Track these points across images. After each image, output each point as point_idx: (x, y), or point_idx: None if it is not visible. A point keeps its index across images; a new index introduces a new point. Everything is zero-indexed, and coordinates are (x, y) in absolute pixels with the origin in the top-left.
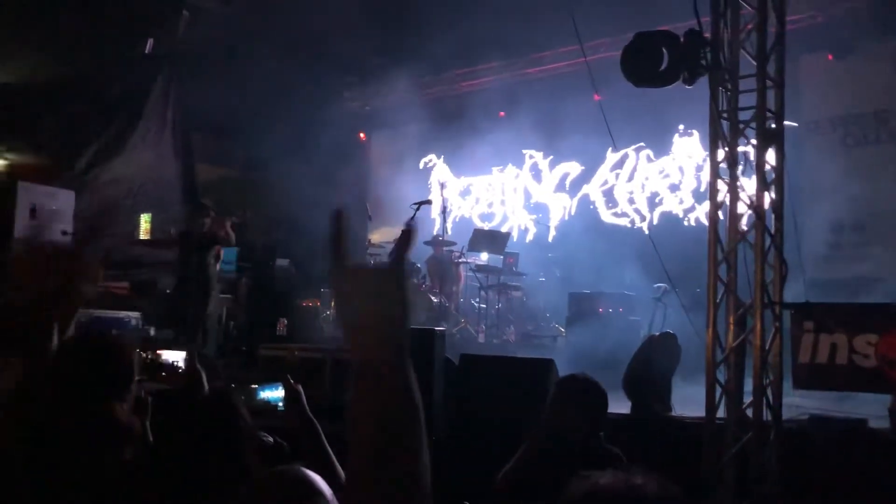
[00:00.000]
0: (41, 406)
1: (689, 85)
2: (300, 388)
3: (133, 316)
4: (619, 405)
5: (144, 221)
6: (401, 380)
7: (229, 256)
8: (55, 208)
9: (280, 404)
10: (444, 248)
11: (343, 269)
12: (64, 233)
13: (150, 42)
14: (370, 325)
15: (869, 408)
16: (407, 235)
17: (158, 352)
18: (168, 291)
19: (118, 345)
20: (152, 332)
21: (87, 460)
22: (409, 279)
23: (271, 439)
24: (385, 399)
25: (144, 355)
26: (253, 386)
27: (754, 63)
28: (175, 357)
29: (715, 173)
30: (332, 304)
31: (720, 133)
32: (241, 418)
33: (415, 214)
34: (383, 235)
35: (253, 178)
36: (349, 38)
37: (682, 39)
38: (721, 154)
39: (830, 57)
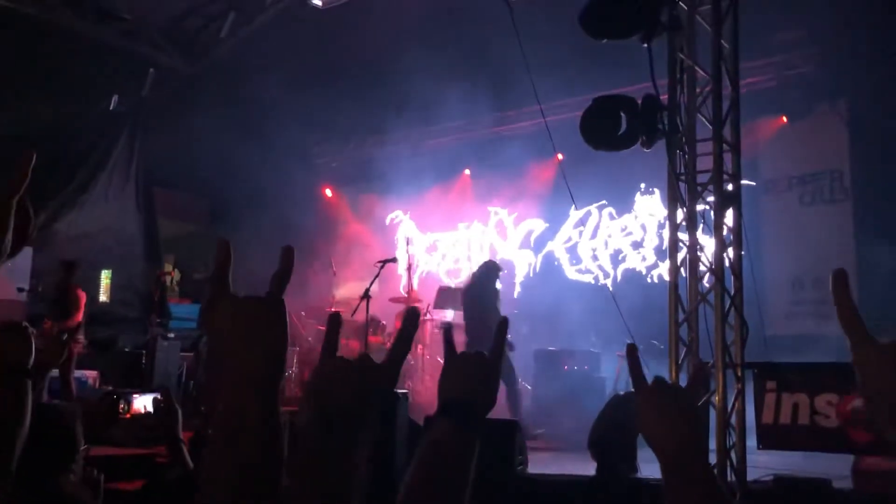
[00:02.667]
0: None
1: (647, 148)
2: (178, 409)
3: (90, 375)
4: (585, 466)
5: (105, 278)
6: (265, 433)
7: (191, 313)
8: (10, 265)
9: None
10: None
11: (223, 298)
12: (20, 290)
13: (114, 98)
14: (242, 363)
15: (834, 465)
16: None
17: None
18: (127, 350)
19: (58, 414)
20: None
21: None
22: (285, 315)
23: None
24: (244, 456)
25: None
26: None
27: (710, 127)
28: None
29: (674, 233)
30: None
31: (678, 195)
32: None
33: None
34: (348, 291)
35: (216, 232)
36: (314, 95)
37: (639, 104)
38: (680, 214)
39: (785, 119)
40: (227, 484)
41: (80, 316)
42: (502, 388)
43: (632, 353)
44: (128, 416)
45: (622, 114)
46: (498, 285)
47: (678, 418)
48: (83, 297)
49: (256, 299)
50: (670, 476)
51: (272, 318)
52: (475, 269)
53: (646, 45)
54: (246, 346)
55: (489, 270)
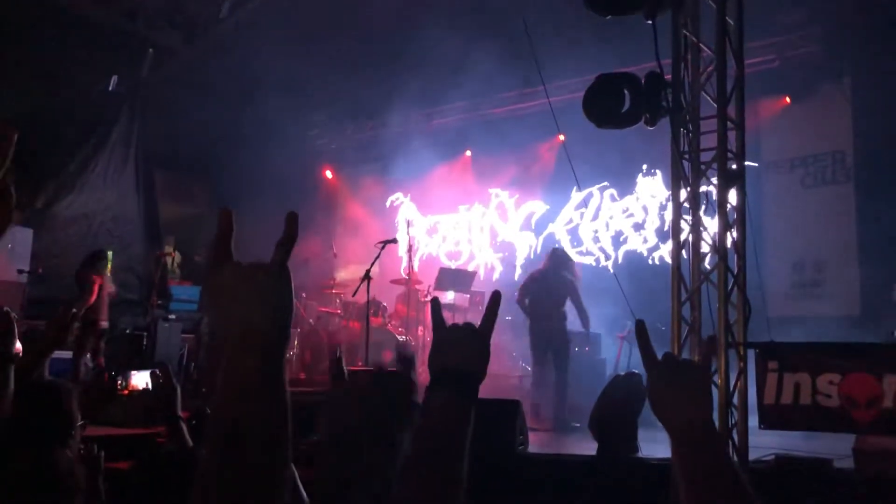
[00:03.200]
0: None
1: (650, 126)
2: (177, 386)
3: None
4: (587, 446)
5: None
6: (269, 398)
7: (192, 295)
8: (11, 247)
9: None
10: (414, 287)
11: (223, 266)
12: (20, 272)
13: (113, 79)
14: (245, 329)
15: (836, 445)
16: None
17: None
18: (128, 332)
19: (53, 390)
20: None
21: None
22: (290, 282)
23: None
24: (247, 418)
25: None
26: None
27: (715, 105)
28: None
29: (677, 213)
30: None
31: (682, 174)
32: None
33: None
34: (349, 273)
35: (216, 215)
36: (315, 76)
37: (643, 81)
38: (683, 194)
39: (788, 99)
40: (226, 448)
41: (91, 300)
42: (551, 376)
43: (641, 330)
44: (125, 392)
45: (626, 91)
46: (571, 275)
47: (689, 392)
48: (97, 281)
49: (260, 265)
50: (681, 449)
51: (276, 284)
52: (546, 258)
53: (650, 22)
54: (250, 312)
55: (558, 261)
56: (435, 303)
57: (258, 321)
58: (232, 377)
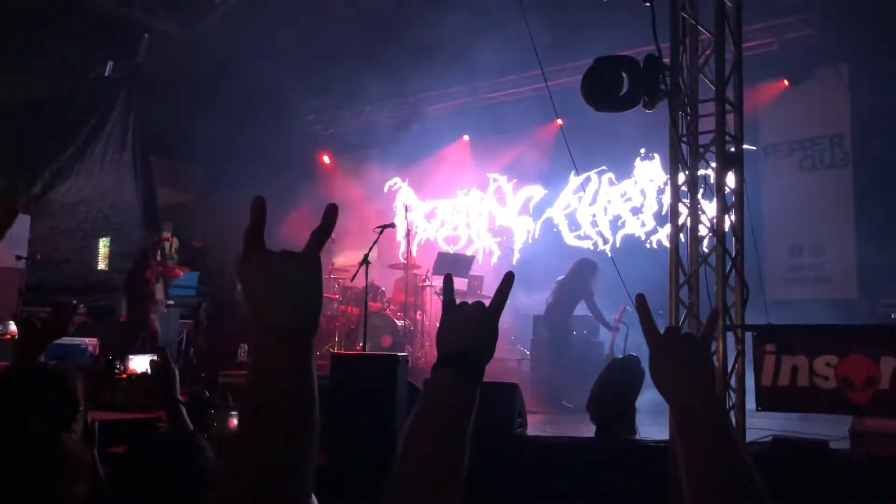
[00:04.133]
0: None
1: (648, 109)
2: (175, 369)
3: (90, 342)
4: (585, 429)
5: (103, 245)
6: (299, 387)
7: (190, 281)
8: (8, 233)
9: None
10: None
11: (258, 253)
12: (18, 257)
13: (109, 65)
14: (276, 318)
15: (832, 427)
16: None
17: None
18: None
19: (60, 374)
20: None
21: (37, 496)
22: (320, 271)
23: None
24: (278, 407)
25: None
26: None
27: (713, 88)
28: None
29: (675, 196)
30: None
31: (680, 157)
32: (206, 461)
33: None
34: (347, 259)
35: (214, 201)
36: (312, 61)
37: (641, 64)
38: (681, 177)
39: (786, 82)
40: (257, 433)
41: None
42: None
43: (641, 304)
44: (124, 376)
45: (624, 74)
46: (594, 286)
47: (692, 367)
48: (150, 275)
49: (292, 254)
50: (681, 422)
51: (307, 273)
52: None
53: (648, 4)
54: (280, 301)
55: (583, 269)
56: (447, 279)
57: (288, 309)
58: (262, 363)
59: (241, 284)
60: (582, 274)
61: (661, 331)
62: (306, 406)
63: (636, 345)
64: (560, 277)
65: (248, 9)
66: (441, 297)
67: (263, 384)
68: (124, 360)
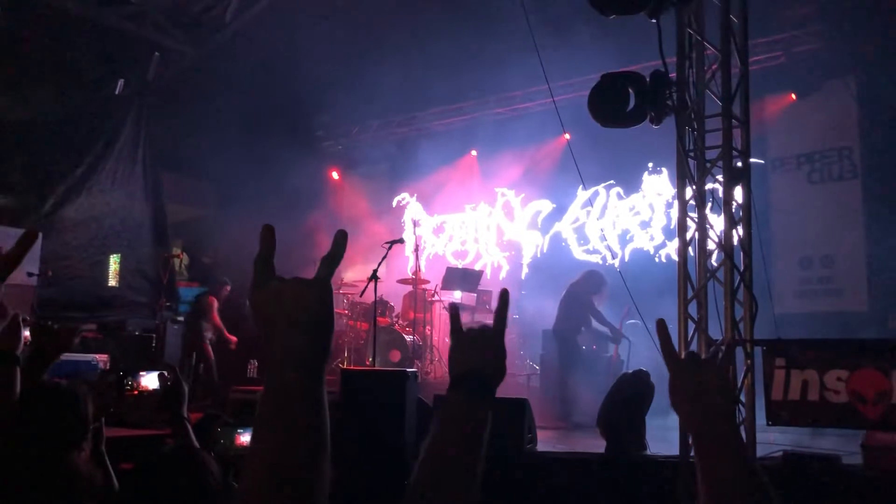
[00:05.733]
0: None
1: (655, 125)
2: (185, 386)
3: (101, 359)
4: (595, 444)
5: (114, 262)
6: (309, 413)
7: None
8: None
9: None
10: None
11: (269, 280)
12: (30, 274)
13: (120, 83)
14: (287, 344)
15: (844, 442)
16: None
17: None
18: (136, 333)
19: (70, 393)
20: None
21: None
22: (331, 297)
23: None
24: (287, 433)
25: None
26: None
27: (720, 103)
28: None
29: (683, 211)
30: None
31: (687, 172)
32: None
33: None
34: (356, 274)
35: (224, 216)
36: (320, 77)
37: (648, 80)
38: (689, 192)
39: (794, 96)
40: (268, 461)
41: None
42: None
43: (661, 328)
44: (134, 392)
45: (630, 90)
46: (597, 299)
47: (711, 393)
48: (213, 302)
49: (302, 281)
50: (702, 448)
51: (318, 299)
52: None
53: (654, 20)
54: (291, 327)
55: (588, 280)
56: (454, 309)
57: (299, 337)
58: (273, 391)
59: (253, 311)
60: (587, 285)
61: (682, 356)
62: (317, 432)
63: (645, 358)
64: (571, 281)
65: (257, 26)
66: (448, 311)
67: (276, 411)
68: (135, 377)
